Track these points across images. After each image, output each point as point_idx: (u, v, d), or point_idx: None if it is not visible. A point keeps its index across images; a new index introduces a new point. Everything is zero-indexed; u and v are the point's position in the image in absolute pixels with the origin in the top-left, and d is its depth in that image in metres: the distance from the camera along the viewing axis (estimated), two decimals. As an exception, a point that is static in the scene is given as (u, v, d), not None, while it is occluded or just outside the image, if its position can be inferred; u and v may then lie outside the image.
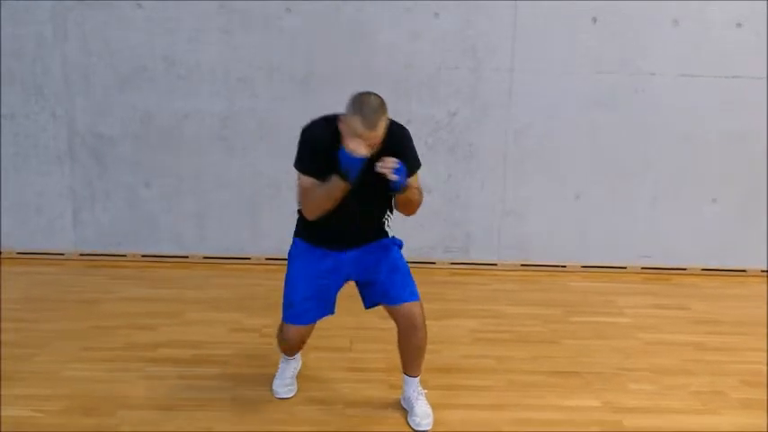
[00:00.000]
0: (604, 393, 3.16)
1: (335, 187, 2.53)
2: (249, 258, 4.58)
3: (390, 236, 2.88)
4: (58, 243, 4.58)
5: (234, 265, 4.55)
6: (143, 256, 4.60)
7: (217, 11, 4.26)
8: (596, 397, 3.13)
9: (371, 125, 2.45)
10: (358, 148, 2.45)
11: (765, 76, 4.34)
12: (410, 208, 2.74)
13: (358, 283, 2.87)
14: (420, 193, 2.73)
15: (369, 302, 2.87)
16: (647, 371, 3.38)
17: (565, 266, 4.62)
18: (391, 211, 2.83)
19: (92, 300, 4.01)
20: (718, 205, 4.55)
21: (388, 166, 2.48)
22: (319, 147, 2.59)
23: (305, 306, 2.79)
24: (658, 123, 4.43)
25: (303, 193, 2.67)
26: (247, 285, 4.26)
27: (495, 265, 4.61)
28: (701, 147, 4.47)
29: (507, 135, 4.45)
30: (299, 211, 2.82)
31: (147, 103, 4.39)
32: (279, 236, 4.47)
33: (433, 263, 4.56)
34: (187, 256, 4.60)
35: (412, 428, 2.85)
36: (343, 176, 2.50)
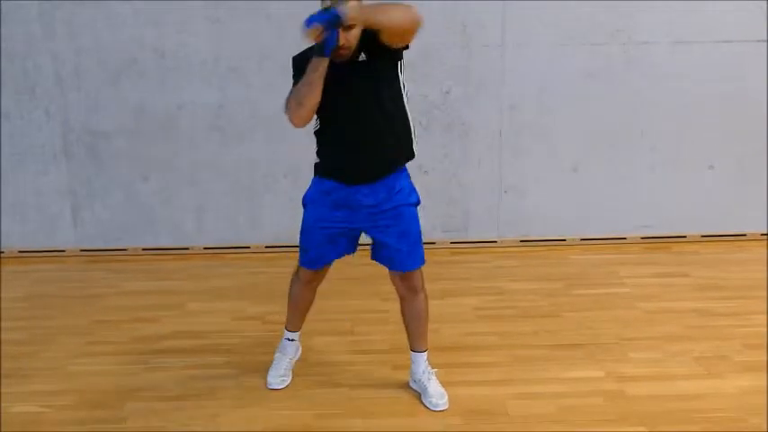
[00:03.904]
0: (607, 363, 3.18)
1: (313, 67, 2.53)
2: (249, 247, 4.59)
3: (407, 169, 2.81)
4: (59, 240, 4.59)
5: (234, 255, 4.56)
6: (143, 249, 4.61)
7: (203, 1, 4.24)
8: (600, 367, 3.15)
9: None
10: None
11: (761, 39, 4.31)
12: (395, 26, 2.49)
13: (370, 237, 2.87)
14: (404, 8, 2.48)
15: (375, 257, 2.89)
16: (649, 339, 3.39)
17: (564, 240, 4.62)
18: (400, 119, 2.71)
19: (94, 295, 4.03)
20: (716, 171, 4.54)
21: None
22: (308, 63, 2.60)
23: (318, 252, 2.87)
24: (653, 92, 4.41)
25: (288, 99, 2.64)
26: (248, 274, 4.27)
27: (495, 242, 4.62)
28: (696, 114, 4.45)
29: (502, 111, 4.43)
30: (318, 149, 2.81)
31: (139, 96, 4.38)
32: (277, 223, 4.50)
33: (433, 243, 4.55)
34: (187, 248, 4.60)
35: (429, 409, 2.88)
36: (319, 51, 2.50)
